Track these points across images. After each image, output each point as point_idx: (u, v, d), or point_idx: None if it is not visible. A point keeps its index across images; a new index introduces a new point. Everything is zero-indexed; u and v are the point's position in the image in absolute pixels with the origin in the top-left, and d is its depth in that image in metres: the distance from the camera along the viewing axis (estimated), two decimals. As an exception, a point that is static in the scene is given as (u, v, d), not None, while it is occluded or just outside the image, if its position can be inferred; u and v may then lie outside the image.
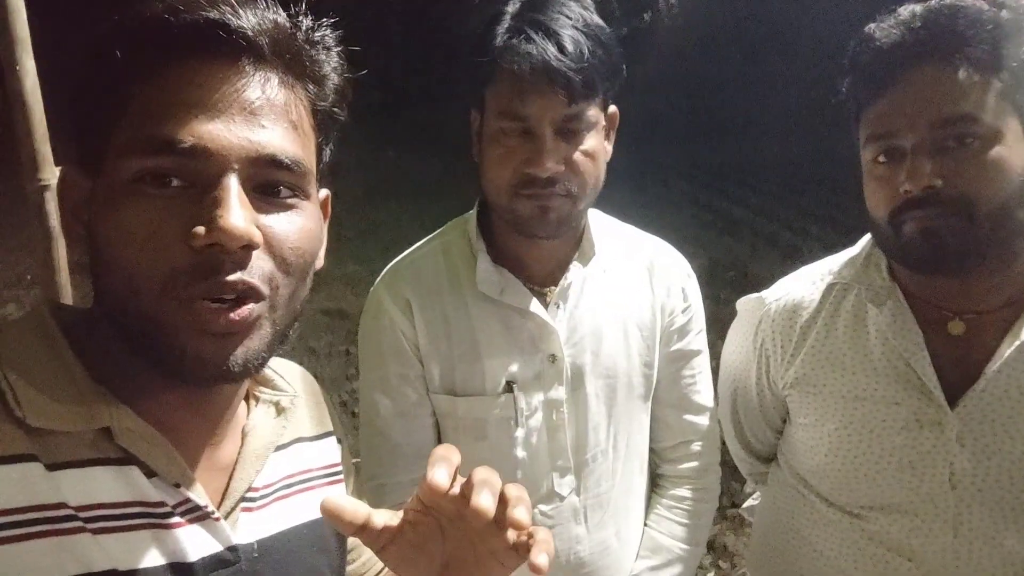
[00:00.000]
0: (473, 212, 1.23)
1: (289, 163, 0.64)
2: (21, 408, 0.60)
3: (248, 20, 0.62)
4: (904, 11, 1.00)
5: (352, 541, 0.89)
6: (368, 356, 1.21)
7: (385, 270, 1.23)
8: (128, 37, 0.62)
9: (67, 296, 1.69)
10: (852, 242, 1.22)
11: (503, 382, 1.16)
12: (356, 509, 0.62)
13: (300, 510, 0.78)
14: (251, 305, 0.63)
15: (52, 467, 0.60)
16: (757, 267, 5.68)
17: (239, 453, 0.74)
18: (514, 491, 0.63)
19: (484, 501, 0.59)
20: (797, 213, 7.09)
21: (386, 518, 0.64)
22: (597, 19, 1.07)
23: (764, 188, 7.86)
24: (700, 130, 8.47)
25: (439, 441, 1.22)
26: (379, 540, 0.64)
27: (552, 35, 1.02)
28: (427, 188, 6.90)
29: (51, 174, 1.47)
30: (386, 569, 0.94)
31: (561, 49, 1.01)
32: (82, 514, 0.61)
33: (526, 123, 1.05)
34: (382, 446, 1.18)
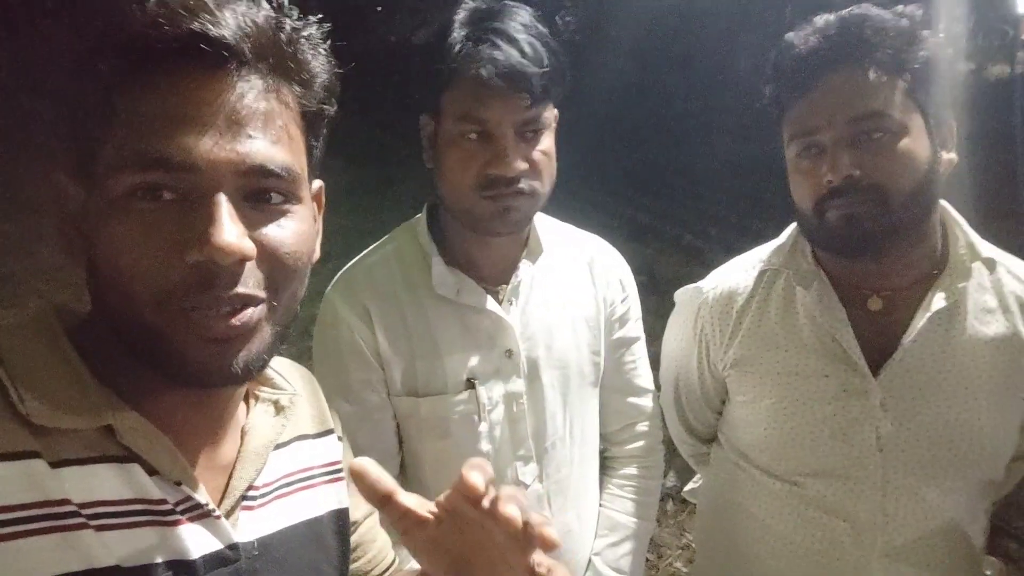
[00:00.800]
0: (422, 217, 1.26)
1: (278, 171, 0.65)
2: (25, 405, 0.61)
3: (228, 27, 0.62)
4: (819, 20, 1.10)
5: (357, 539, 0.90)
6: (327, 363, 1.21)
7: (337, 278, 1.24)
8: (111, 49, 0.61)
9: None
10: (749, 242, 1.34)
11: (464, 379, 1.20)
12: (382, 477, 0.63)
13: (300, 508, 0.79)
14: (251, 310, 0.64)
15: (55, 464, 0.61)
16: (663, 270, 5.89)
17: (239, 452, 0.75)
18: (538, 517, 0.65)
19: (512, 511, 0.61)
20: (698, 217, 7.39)
21: (414, 503, 0.65)
22: (543, 28, 1.13)
23: (665, 194, 8.16)
24: (603, 140, 8.73)
25: (401, 445, 1.24)
26: (403, 522, 0.65)
27: (513, 41, 1.07)
28: (332, 200, 6.79)
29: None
30: (392, 567, 0.95)
31: (523, 54, 1.07)
32: (85, 511, 0.61)
33: (486, 126, 1.09)
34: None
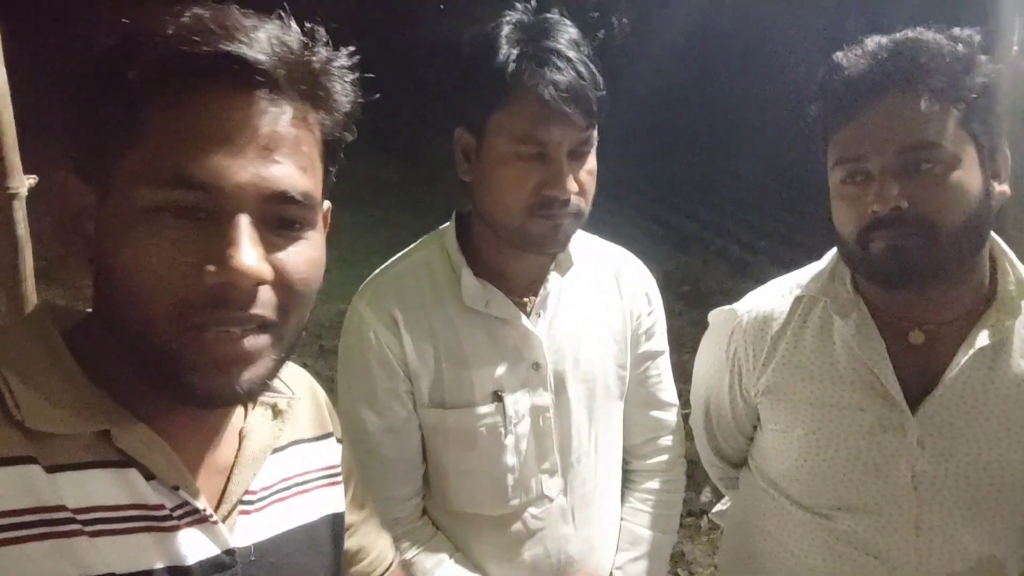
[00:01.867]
0: (450, 227, 1.25)
1: (300, 198, 0.66)
2: (20, 410, 0.61)
3: (265, 52, 0.63)
4: (870, 43, 1.07)
5: (359, 540, 0.91)
6: (353, 373, 1.21)
7: (364, 286, 1.24)
8: (145, 62, 0.61)
9: (31, 306, 1.65)
10: (798, 256, 1.30)
11: (491, 391, 1.19)
12: None
13: (297, 512, 0.79)
14: (260, 336, 0.65)
15: (51, 469, 0.61)
16: (709, 281, 5.82)
17: (236, 456, 0.75)
18: None
19: None
20: (746, 229, 7.28)
21: None
22: (585, 43, 1.12)
23: (714, 204, 8.06)
24: (651, 147, 8.65)
25: (425, 456, 1.24)
26: None
27: (570, 63, 1.06)
28: (376, 195, 6.88)
29: (19, 182, 1.44)
30: (392, 568, 0.96)
31: (580, 75, 1.06)
32: (80, 516, 0.61)
33: (545, 148, 1.08)
34: (371, 462, 1.19)
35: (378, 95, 0.77)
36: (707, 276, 5.98)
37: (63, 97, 0.69)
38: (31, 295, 1.58)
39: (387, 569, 0.96)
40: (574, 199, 1.10)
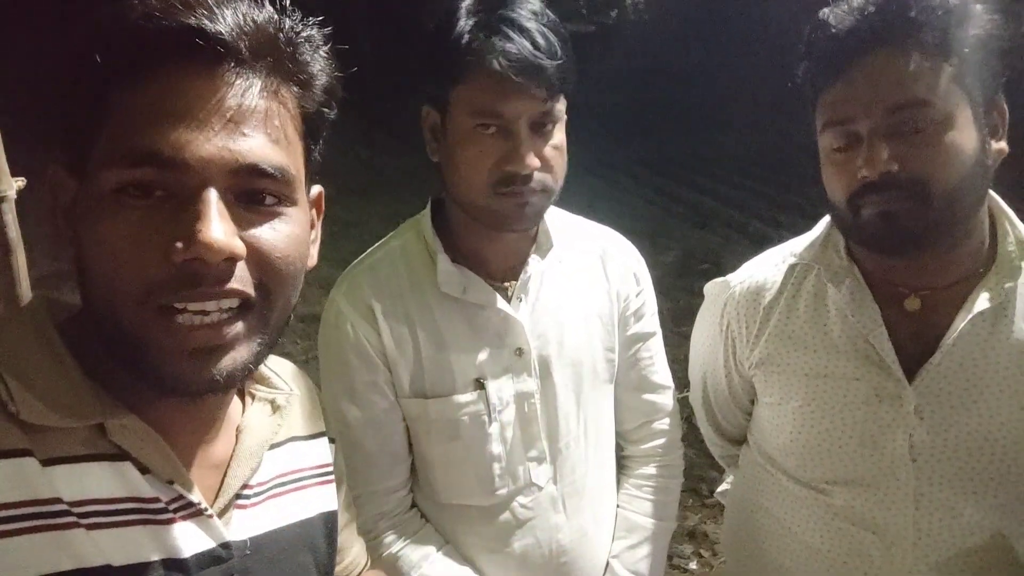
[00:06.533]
0: (426, 212, 1.22)
1: (272, 171, 0.64)
2: (16, 403, 0.61)
3: (226, 24, 0.61)
4: None
5: (340, 543, 0.90)
6: (332, 366, 1.18)
7: (341, 277, 1.21)
8: (107, 43, 0.61)
9: (29, 306, 1.66)
10: None
11: (473, 379, 1.16)
12: None
13: (292, 509, 0.79)
14: (238, 323, 0.63)
15: (47, 462, 0.61)
16: (730, 258, 5.73)
17: (233, 451, 0.74)
18: None
19: None
20: (766, 203, 7.17)
21: None
22: (551, 14, 1.08)
23: (733, 180, 7.95)
24: (668, 124, 8.56)
25: (411, 446, 1.22)
26: None
27: (525, 32, 1.02)
28: (399, 186, 6.89)
29: (8, 185, 1.44)
30: (363, 572, 0.96)
31: (536, 45, 1.02)
32: (76, 509, 0.61)
33: (502, 121, 1.05)
34: (354, 456, 1.16)
35: (361, 66, 0.74)
36: (728, 253, 5.90)
37: (46, 92, 0.69)
38: (26, 296, 1.59)
39: (360, 573, 0.96)
40: (538, 175, 1.07)
